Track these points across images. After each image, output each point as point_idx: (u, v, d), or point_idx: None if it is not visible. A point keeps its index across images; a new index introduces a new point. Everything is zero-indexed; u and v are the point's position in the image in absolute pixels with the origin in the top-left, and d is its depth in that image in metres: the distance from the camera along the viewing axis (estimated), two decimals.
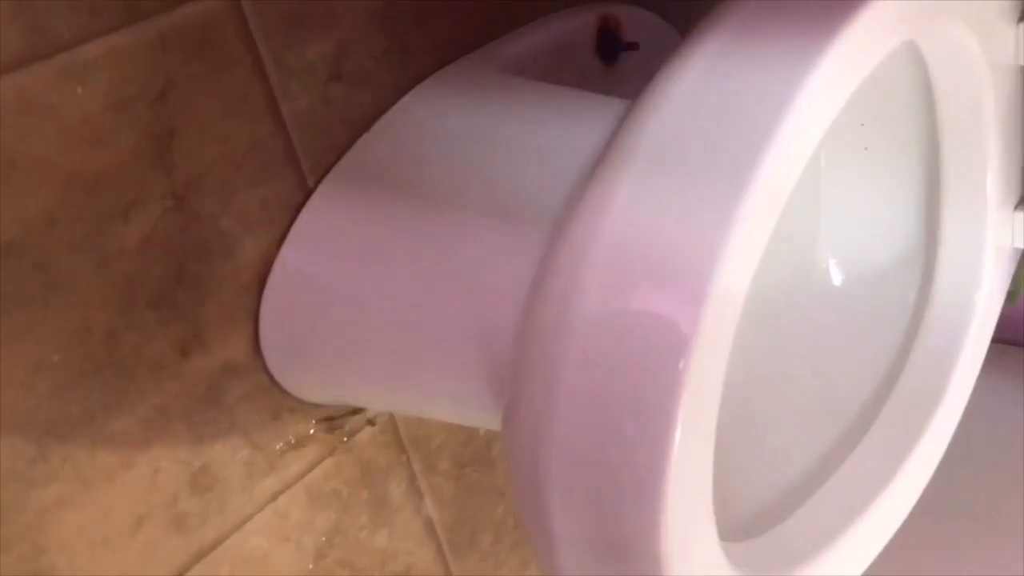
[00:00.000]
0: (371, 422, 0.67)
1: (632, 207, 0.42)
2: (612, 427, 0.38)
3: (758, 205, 0.41)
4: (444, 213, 0.55)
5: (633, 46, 0.71)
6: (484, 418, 0.51)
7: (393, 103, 0.62)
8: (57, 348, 0.51)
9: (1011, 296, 0.65)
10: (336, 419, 0.65)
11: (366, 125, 0.61)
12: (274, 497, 0.62)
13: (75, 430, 0.52)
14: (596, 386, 0.38)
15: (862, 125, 0.60)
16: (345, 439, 0.66)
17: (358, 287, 0.57)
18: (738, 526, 0.49)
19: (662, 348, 0.38)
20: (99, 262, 0.51)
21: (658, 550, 0.36)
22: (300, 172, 0.59)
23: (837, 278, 0.62)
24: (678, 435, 0.37)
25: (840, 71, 0.42)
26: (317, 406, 0.64)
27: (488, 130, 0.59)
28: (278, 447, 0.62)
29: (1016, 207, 0.59)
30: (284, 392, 0.61)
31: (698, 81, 0.44)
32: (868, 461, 0.55)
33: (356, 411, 0.66)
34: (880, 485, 0.53)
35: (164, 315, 0.54)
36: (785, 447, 0.56)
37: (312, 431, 0.64)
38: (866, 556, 0.51)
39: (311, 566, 0.66)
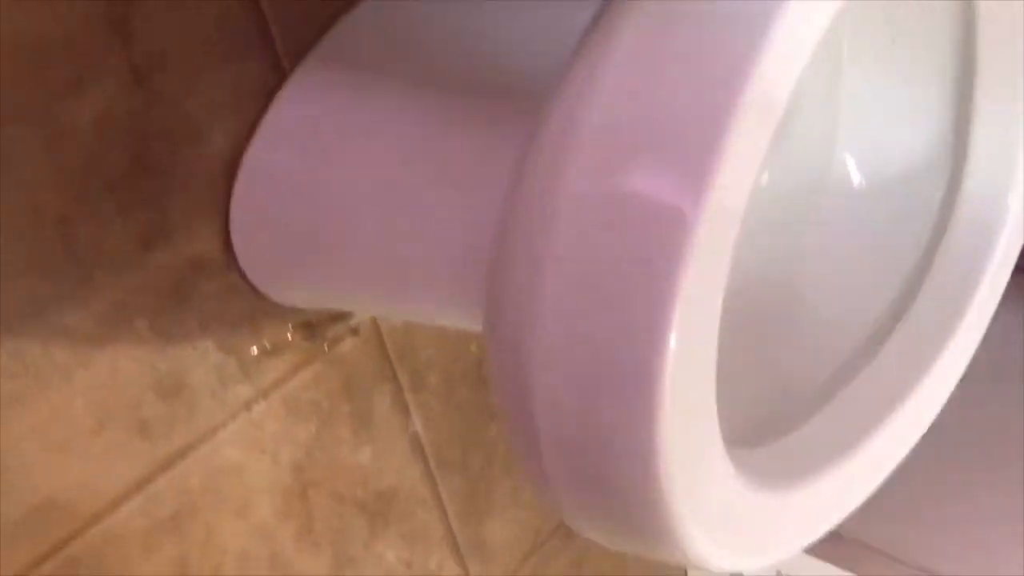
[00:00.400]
0: (354, 331, 0.63)
1: (626, 74, 0.37)
2: (602, 313, 0.34)
3: (771, 73, 0.36)
4: (428, 100, 0.50)
5: None
6: (467, 317, 0.47)
7: None
8: (5, 230, 0.47)
9: None
10: (316, 325, 0.61)
11: (348, 4, 0.56)
12: (248, 406, 0.59)
13: (25, 322, 0.48)
14: (584, 270, 0.34)
15: (889, 14, 0.55)
16: (326, 348, 0.62)
17: (336, 180, 0.52)
18: (746, 433, 0.45)
19: (659, 231, 0.34)
20: (48, 138, 0.47)
21: (653, 447, 0.32)
22: (274, 53, 0.54)
23: (857, 180, 0.57)
24: (676, 321, 0.33)
25: None
26: (295, 311, 0.60)
27: (478, 12, 0.54)
28: (252, 353, 0.58)
29: None
30: (258, 294, 0.57)
31: None
32: (886, 371, 0.50)
33: (337, 318, 0.62)
34: (897, 398, 0.49)
35: (123, 203, 0.50)
36: (799, 354, 0.52)
37: (289, 337, 0.60)
38: (879, 471, 0.47)
39: (289, 480, 0.62)
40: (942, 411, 0.53)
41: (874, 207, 0.57)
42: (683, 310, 0.33)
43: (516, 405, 0.36)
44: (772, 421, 0.46)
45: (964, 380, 0.54)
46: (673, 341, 0.32)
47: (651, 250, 0.33)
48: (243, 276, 0.56)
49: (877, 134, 0.57)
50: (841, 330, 0.54)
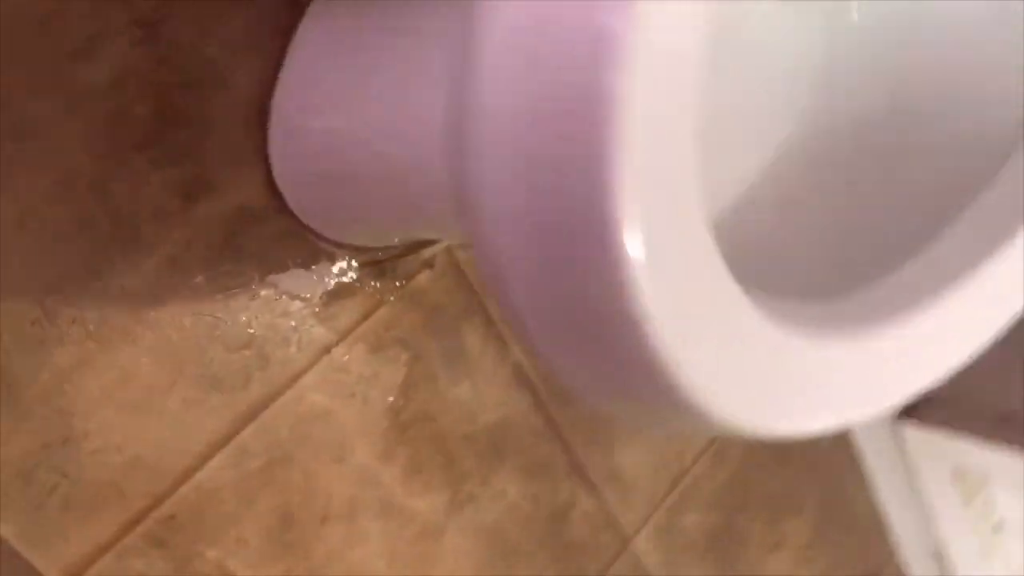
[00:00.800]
0: (428, 264, 0.62)
1: None
2: (547, 138, 0.29)
3: None
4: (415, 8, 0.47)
5: None
6: None
7: None
8: (42, 199, 0.48)
9: None
10: (384, 262, 0.60)
11: None
12: (327, 350, 0.58)
13: (79, 288, 0.49)
14: (523, 99, 0.30)
15: None
16: (399, 284, 0.60)
17: (358, 103, 0.50)
18: (825, 282, 0.39)
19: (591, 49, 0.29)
20: (69, 104, 0.48)
21: (624, 278, 0.28)
22: None
23: None
24: (622, 147, 0.28)
25: None
26: (360, 249, 0.58)
27: None
28: (320, 297, 0.57)
29: None
30: (316, 235, 0.56)
31: None
32: (990, 214, 0.43)
33: (407, 252, 0.60)
34: (1003, 240, 0.41)
35: (156, 157, 0.50)
36: (899, 195, 0.46)
37: (357, 276, 0.59)
38: (983, 324, 0.40)
39: (385, 422, 0.61)
40: None
41: (987, 26, 0.48)
42: (631, 134, 0.28)
43: (484, 252, 0.32)
44: (865, 266, 0.41)
45: None
46: (622, 156, 0.28)
47: (586, 67, 0.29)
48: (295, 218, 0.55)
49: None
50: (951, 160, 0.46)
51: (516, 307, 0.32)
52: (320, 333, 0.58)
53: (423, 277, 0.61)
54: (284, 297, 0.56)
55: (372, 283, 0.59)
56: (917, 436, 0.80)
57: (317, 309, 0.57)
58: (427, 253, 0.61)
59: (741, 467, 0.85)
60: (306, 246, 0.56)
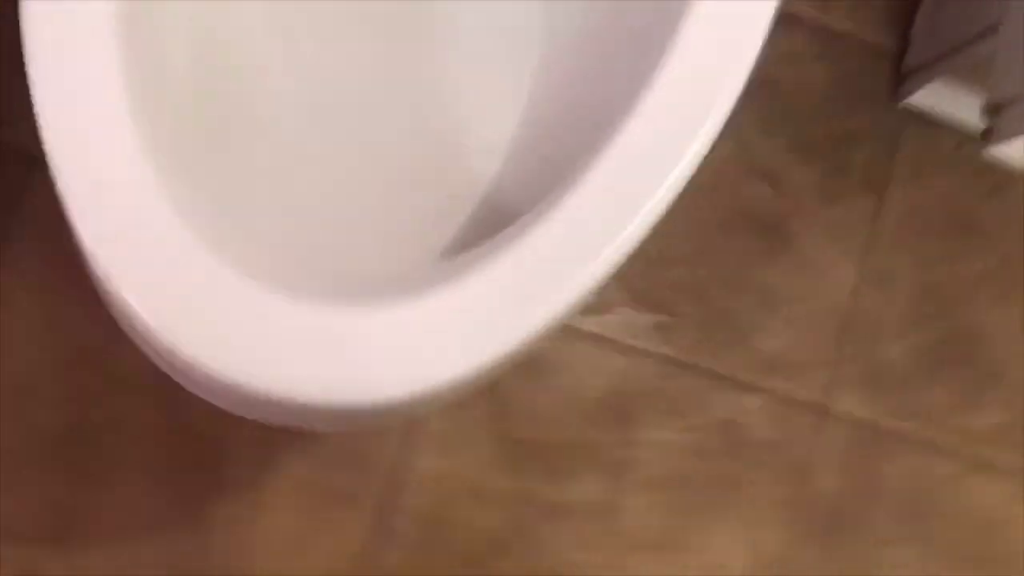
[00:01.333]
0: None
1: None
2: None
3: None
4: None
5: None
6: None
7: None
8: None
9: None
10: None
11: None
12: (410, 429, 0.69)
13: (197, 515, 0.66)
14: None
15: None
16: None
17: None
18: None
19: None
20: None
21: None
22: None
23: None
24: None
25: None
26: None
27: None
28: None
29: None
30: None
31: None
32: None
33: None
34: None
35: (129, 400, 0.65)
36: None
37: None
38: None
39: (501, 448, 0.70)
40: None
41: None
42: None
43: None
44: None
45: None
46: None
47: None
48: None
49: None
50: None
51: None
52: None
53: None
54: None
55: None
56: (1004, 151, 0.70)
57: None
58: None
59: (921, 273, 0.79)
60: None
